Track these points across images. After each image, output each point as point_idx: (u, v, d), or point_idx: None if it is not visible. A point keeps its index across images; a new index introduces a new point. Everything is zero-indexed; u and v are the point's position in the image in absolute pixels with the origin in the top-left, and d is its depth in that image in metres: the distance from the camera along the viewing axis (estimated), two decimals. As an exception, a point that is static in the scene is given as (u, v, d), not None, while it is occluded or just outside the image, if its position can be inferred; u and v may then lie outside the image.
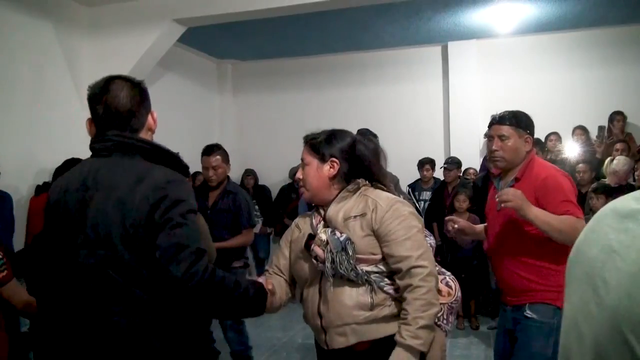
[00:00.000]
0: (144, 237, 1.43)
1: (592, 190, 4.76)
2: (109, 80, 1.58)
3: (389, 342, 1.75)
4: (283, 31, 6.58)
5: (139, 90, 1.59)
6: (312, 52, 7.68)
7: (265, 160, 7.75)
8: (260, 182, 7.60)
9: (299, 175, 1.98)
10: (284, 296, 1.99)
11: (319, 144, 1.95)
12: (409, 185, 6.30)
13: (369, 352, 1.81)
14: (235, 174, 7.59)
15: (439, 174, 6.28)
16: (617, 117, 6.15)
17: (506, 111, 2.45)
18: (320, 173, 1.92)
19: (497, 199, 2.20)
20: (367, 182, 1.95)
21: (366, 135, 4.19)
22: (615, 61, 6.75)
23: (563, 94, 6.88)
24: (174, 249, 1.41)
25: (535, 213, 2.16)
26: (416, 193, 6.22)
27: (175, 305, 1.48)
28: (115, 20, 5.35)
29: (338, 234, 1.81)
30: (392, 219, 1.80)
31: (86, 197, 1.50)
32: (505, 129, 2.38)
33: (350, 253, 1.77)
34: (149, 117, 1.62)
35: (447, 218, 2.54)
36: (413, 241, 1.78)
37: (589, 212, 4.87)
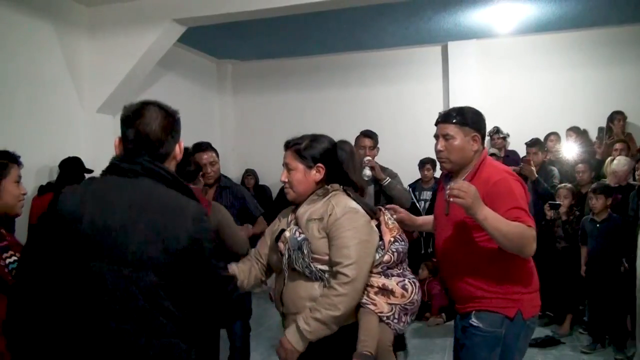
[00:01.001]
0: (175, 264, 1.48)
1: (592, 190, 4.76)
2: (144, 105, 1.61)
3: (338, 331, 1.96)
4: (283, 31, 6.58)
5: (172, 120, 1.63)
6: (312, 52, 7.68)
7: (265, 160, 7.74)
8: (260, 182, 7.61)
9: (284, 178, 2.12)
10: (252, 281, 2.20)
11: (305, 150, 2.09)
12: (409, 185, 6.30)
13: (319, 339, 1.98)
14: (235, 174, 7.60)
15: (439, 174, 6.28)
16: (617, 116, 6.15)
17: (453, 108, 2.33)
18: (307, 177, 2.09)
19: (446, 193, 2.03)
20: (339, 187, 2.12)
21: (372, 137, 4.23)
22: (615, 61, 6.75)
23: (563, 94, 6.88)
24: (231, 279, 1.65)
25: (486, 214, 1.98)
26: (417, 193, 6.22)
27: (197, 326, 1.58)
28: (115, 20, 5.35)
29: (298, 234, 2.03)
30: (342, 225, 1.98)
31: (112, 213, 1.50)
32: (451, 128, 2.26)
33: (306, 252, 1.98)
34: (176, 148, 1.65)
35: (388, 206, 2.40)
36: (350, 250, 1.95)
37: (588, 212, 4.87)
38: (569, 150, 6.05)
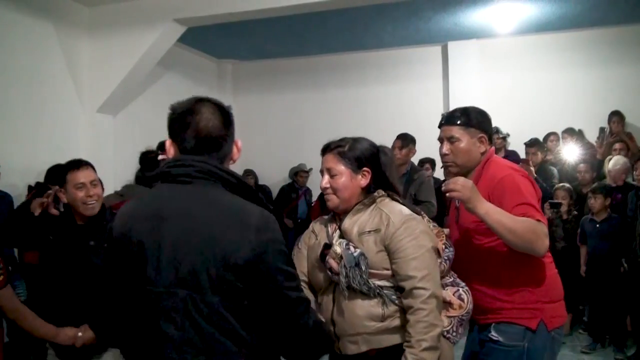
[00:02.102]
0: (238, 282, 1.29)
1: (591, 190, 4.78)
2: (198, 101, 1.43)
3: (400, 349, 1.79)
4: (283, 31, 6.58)
5: (227, 115, 1.46)
6: (312, 52, 7.68)
7: (265, 160, 7.75)
8: (260, 182, 7.61)
9: (326, 184, 1.94)
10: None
11: (350, 152, 1.93)
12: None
13: (380, 356, 1.86)
14: (235, 173, 7.60)
15: (439, 174, 6.28)
16: (613, 117, 6.15)
17: (457, 108, 2.19)
18: (354, 183, 1.93)
19: (443, 189, 1.91)
20: (384, 193, 1.96)
21: (402, 138, 4.37)
22: (615, 61, 6.75)
23: (563, 94, 6.88)
24: (302, 302, 1.41)
25: (487, 208, 1.87)
26: (416, 193, 6.22)
27: (268, 354, 1.40)
28: (115, 20, 5.35)
29: (352, 249, 1.84)
30: (403, 236, 1.83)
31: (162, 229, 1.34)
32: (455, 130, 2.11)
33: (364, 268, 1.81)
34: (234, 147, 1.50)
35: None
36: (419, 261, 1.80)
37: (588, 211, 4.88)
38: (569, 151, 6.05)
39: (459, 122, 2.12)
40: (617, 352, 4.50)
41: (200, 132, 1.39)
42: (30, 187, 4.40)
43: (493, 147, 2.21)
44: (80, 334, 2.21)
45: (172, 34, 5.38)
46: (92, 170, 2.46)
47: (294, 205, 7.09)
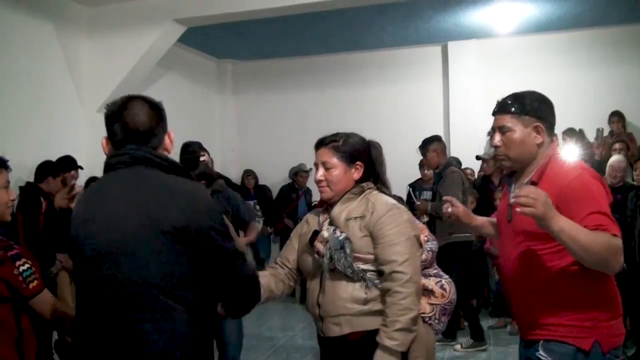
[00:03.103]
0: (172, 243, 1.45)
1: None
2: (128, 99, 1.58)
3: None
4: (283, 31, 6.58)
5: (157, 110, 1.60)
6: (312, 52, 7.68)
7: (265, 160, 7.75)
8: (260, 182, 7.61)
9: (320, 176, 2.03)
10: (280, 289, 2.09)
11: (343, 147, 2.02)
12: (410, 185, 6.30)
13: (360, 343, 1.92)
14: (235, 174, 7.60)
15: (439, 173, 6.29)
16: (612, 117, 6.15)
17: (510, 94, 1.94)
18: (347, 176, 2.02)
19: (511, 201, 1.68)
20: (372, 185, 2.05)
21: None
22: (615, 61, 6.75)
23: (563, 94, 6.85)
24: (238, 254, 1.58)
25: (562, 225, 1.59)
26: (417, 192, 6.22)
27: (204, 308, 1.54)
28: (115, 20, 5.36)
29: (338, 233, 1.93)
30: (386, 223, 1.92)
31: (101, 204, 1.52)
32: (507, 119, 1.88)
33: (348, 251, 1.90)
34: (166, 138, 1.62)
35: (445, 198, 2.18)
36: (400, 247, 1.89)
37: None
38: (569, 151, 6.03)
39: (512, 110, 1.89)
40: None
41: (128, 125, 1.54)
42: (21, 188, 4.39)
43: (556, 140, 1.98)
44: None
45: (172, 34, 5.39)
46: (6, 172, 2.26)
47: (294, 205, 7.09)
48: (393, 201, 2.01)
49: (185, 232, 1.46)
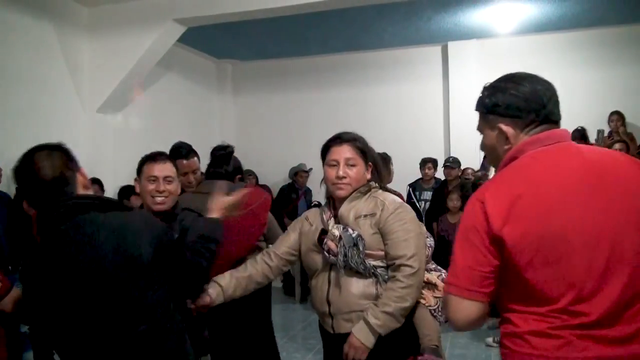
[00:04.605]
0: (144, 273, 1.53)
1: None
2: (29, 155, 1.56)
3: (393, 331, 1.93)
4: (283, 31, 6.58)
5: (59, 155, 1.58)
6: (313, 52, 7.68)
7: (265, 160, 7.75)
8: (260, 182, 7.60)
9: (343, 173, 2.03)
10: (244, 285, 2.11)
11: (361, 145, 2.08)
12: (410, 185, 6.30)
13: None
14: (235, 174, 7.60)
15: (439, 174, 6.29)
16: (612, 117, 6.15)
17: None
18: (364, 175, 2.08)
19: None
20: (377, 185, 2.11)
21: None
22: (615, 61, 6.75)
23: (563, 94, 6.72)
24: (200, 254, 1.72)
25: None
26: (417, 193, 6.22)
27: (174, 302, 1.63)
28: (115, 20, 5.36)
29: (350, 230, 1.97)
30: (395, 220, 1.98)
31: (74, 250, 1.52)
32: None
33: (361, 248, 1.94)
34: (79, 176, 1.60)
35: None
36: (409, 243, 1.96)
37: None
38: None
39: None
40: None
41: (43, 180, 1.53)
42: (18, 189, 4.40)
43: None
44: None
45: (172, 34, 5.38)
46: (170, 165, 2.33)
47: (294, 205, 7.09)
48: (399, 199, 2.08)
49: (158, 259, 1.55)
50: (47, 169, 1.53)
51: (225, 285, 2.05)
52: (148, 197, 2.28)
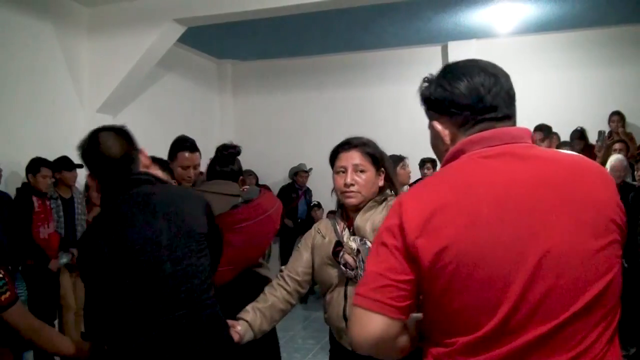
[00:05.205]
0: (201, 241, 1.76)
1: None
2: (95, 135, 1.85)
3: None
4: (283, 31, 6.58)
5: (125, 136, 1.82)
6: (313, 52, 7.68)
7: (265, 160, 7.75)
8: (261, 182, 7.60)
9: (352, 180, 1.92)
10: (272, 316, 1.98)
11: (372, 150, 1.97)
12: (410, 185, 6.30)
13: None
14: (235, 174, 7.60)
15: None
16: (612, 117, 6.15)
17: None
18: (376, 182, 1.96)
19: None
20: (392, 193, 2.01)
21: (541, 130, 4.45)
22: (615, 61, 6.75)
23: (563, 94, 6.88)
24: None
25: None
26: (416, 193, 6.22)
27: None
28: (115, 20, 5.36)
29: (368, 243, 1.86)
30: None
31: (154, 218, 1.71)
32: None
33: None
34: (141, 156, 1.84)
35: None
36: None
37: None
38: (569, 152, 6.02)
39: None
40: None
41: (113, 156, 1.77)
42: (18, 189, 4.40)
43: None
44: None
45: (172, 34, 5.38)
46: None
47: (294, 205, 7.09)
48: None
49: (210, 231, 1.80)
50: (116, 147, 1.77)
51: (250, 319, 1.93)
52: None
